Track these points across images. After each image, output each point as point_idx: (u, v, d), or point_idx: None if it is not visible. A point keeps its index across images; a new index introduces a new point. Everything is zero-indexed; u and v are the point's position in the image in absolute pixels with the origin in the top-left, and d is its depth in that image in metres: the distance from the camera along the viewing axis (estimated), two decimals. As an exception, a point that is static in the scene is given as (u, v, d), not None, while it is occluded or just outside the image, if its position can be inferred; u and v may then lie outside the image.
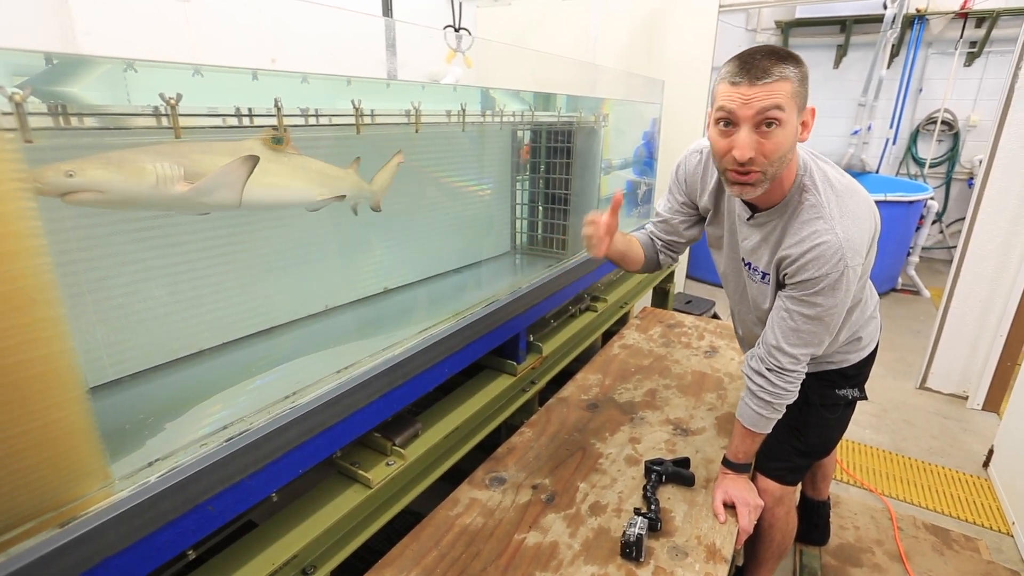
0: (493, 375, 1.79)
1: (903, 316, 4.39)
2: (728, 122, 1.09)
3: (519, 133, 2.40)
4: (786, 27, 5.91)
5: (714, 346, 2.29)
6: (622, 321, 2.61)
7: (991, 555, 1.98)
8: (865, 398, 1.52)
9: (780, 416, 1.34)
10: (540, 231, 2.52)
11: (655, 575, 1.17)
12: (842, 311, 1.22)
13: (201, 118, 1.10)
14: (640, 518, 1.24)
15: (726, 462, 1.43)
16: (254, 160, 1.14)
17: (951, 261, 3.12)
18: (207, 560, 1.07)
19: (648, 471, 1.45)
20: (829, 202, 1.17)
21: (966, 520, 2.23)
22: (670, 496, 1.41)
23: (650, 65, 3.75)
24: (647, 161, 3.29)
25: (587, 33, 3.85)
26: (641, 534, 1.19)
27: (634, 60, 3.82)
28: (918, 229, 4.75)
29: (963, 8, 5.16)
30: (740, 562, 1.64)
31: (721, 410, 1.81)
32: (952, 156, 5.66)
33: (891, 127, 5.74)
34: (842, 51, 5.77)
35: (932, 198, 4.65)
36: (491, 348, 1.71)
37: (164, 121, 1.03)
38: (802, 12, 5.82)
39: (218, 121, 1.14)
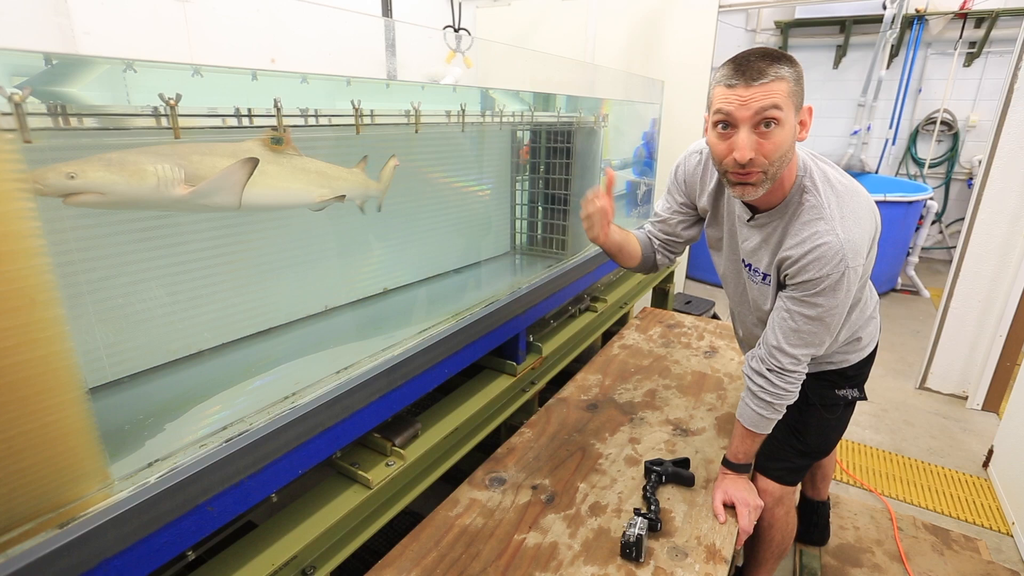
0: (493, 375, 1.79)
1: (903, 316, 4.40)
2: (726, 124, 1.09)
3: (519, 133, 2.40)
4: (785, 27, 5.91)
5: (714, 346, 2.29)
6: (622, 321, 2.61)
7: (991, 555, 1.98)
8: (865, 398, 1.52)
9: (780, 417, 1.34)
10: (540, 231, 2.52)
11: (655, 575, 1.17)
12: (843, 311, 1.22)
13: (201, 119, 1.10)
14: (640, 518, 1.24)
15: (726, 462, 1.43)
16: (254, 163, 1.14)
17: (950, 261, 3.12)
18: (207, 561, 1.07)
19: (648, 471, 1.45)
20: (830, 203, 1.17)
21: (966, 520, 2.23)
22: (670, 496, 1.41)
23: (649, 65, 3.75)
24: (647, 161, 3.29)
25: (586, 33, 3.86)
26: (641, 534, 1.19)
27: (633, 60, 3.82)
28: (918, 229, 4.76)
29: (962, 8, 5.16)
30: (740, 562, 1.64)
31: (721, 410, 1.81)
32: (951, 156, 5.66)
33: (890, 127, 5.74)
34: (841, 51, 5.77)
35: (931, 198, 4.65)
36: (491, 348, 1.70)
37: (164, 122, 1.02)
38: (801, 12, 5.82)
39: (217, 122, 1.14)
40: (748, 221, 1.29)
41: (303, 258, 1.64)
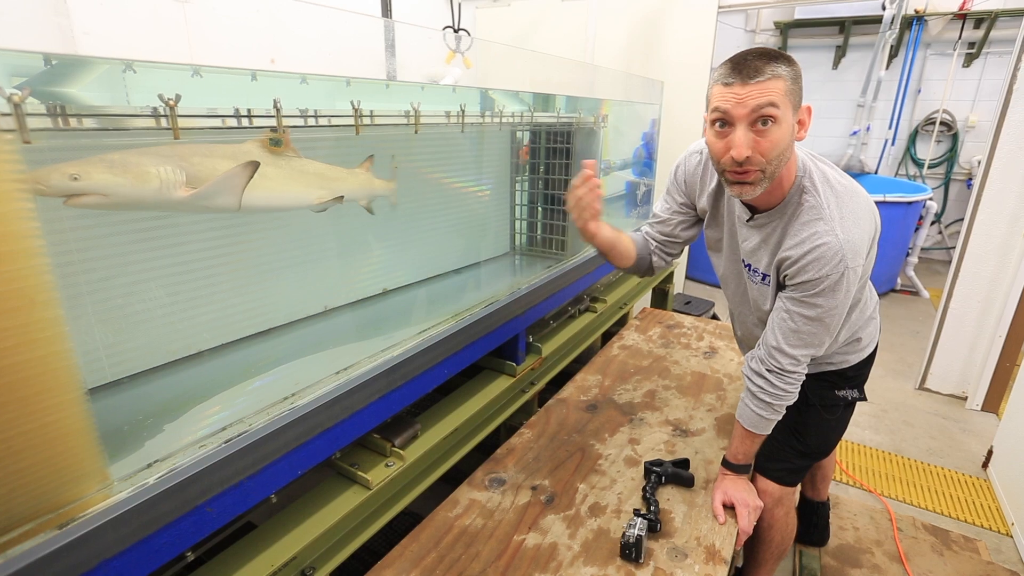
0: (492, 376, 1.79)
1: (902, 317, 4.40)
2: (724, 122, 1.10)
3: (518, 134, 2.40)
4: (785, 28, 5.92)
5: (713, 347, 2.29)
6: (621, 322, 2.61)
7: (990, 556, 1.98)
8: (864, 399, 1.52)
9: (780, 417, 1.34)
10: (539, 232, 2.52)
11: (655, 576, 1.17)
12: (843, 312, 1.22)
13: (200, 119, 1.10)
14: (640, 519, 1.24)
15: (725, 463, 1.43)
16: (255, 166, 1.14)
17: (950, 262, 3.12)
18: (206, 562, 1.07)
19: (647, 472, 1.45)
20: (829, 203, 1.17)
21: (965, 521, 2.23)
22: (669, 497, 1.41)
23: (649, 66, 3.75)
24: (646, 162, 3.29)
25: (586, 33, 3.86)
26: (640, 535, 1.19)
27: (633, 61, 3.82)
28: (917, 230, 4.76)
29: (962, 9, 5.16)
30: (740, 563, 1.64)
31: (720, 411, 1.81)
32: (951, 157, 5.67)
33: (890, 128, 5.75)
34: (841, 52, 5.77)
35: (931, 199, 4.65)
36: (490, 349, 1.70)
37: (163, 122, 1.02)
38: (801, 13, 5.83)
39: (217, 122, 1.14)
40: (747, 221, 1.29)
41: (303, 258, 1.64)
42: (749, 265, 1.34)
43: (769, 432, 1.36)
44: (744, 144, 1.07)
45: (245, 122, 1.18)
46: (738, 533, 1.32)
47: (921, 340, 3.82)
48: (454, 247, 2.21)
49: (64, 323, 0.79)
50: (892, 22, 4.87)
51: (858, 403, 1.53)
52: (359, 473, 1.27)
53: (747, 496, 1.37)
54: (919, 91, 5.63)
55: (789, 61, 1.07)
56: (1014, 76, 2.68)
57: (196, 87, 1.16)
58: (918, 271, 4.99)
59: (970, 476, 2.51)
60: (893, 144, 5.81)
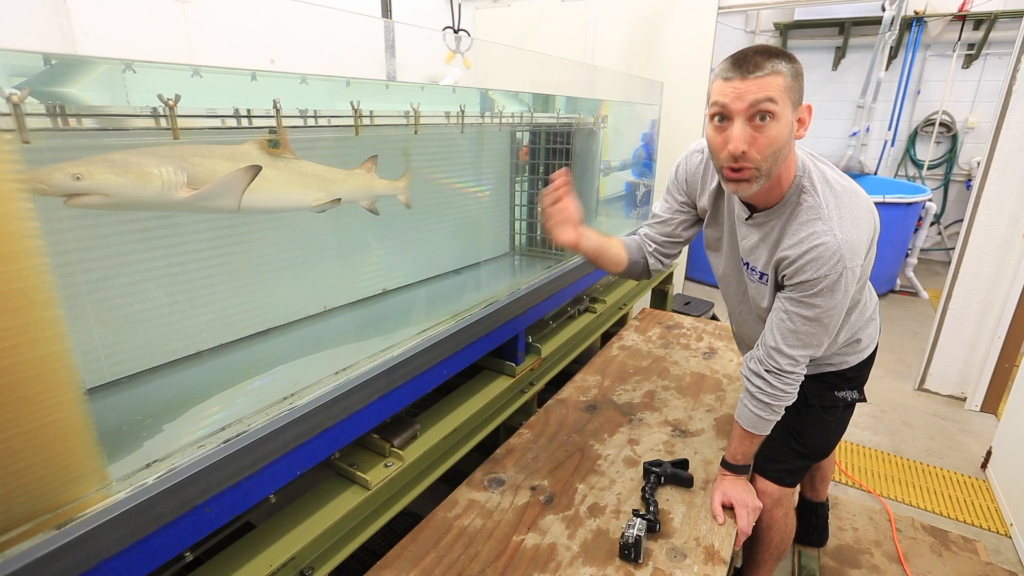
0: (492, 376, 1.79)
1: (901, 317, 4.40)
2: (722, 117, 1.10)
3: (518, 134, 2.40)
4: (785, 29, 5.92)
5: (713, 347, 2.29)
6: (621, 322, 2.61)
7: (989, 556, 1.98)
8: (864, 400, 1.52)
9: (779, 418, 1.34)
10: (539, 232, 2.52)
11: (654, 577, 1.17)
12: (841, 312, 1.22)
13: (199, 119, 1.10)
14: (639, 519, 1.24)
15: (725, 463, 1.43)
16: (256, 170, 1.14)
17: (949, 263, 3.12)
18: (205, 562, 1.06)
19: (647, 472, 1.45)
20: (828, 203, 1.17)
21: (964, 521, 2.23)
22: (669, 497, 1.41)
23: (649, 66, 3.76)
24: (646, 163, 3.29)
25: (586, 34, 3.86)
26: (640, 535, 1.19)
27: (633, 61, 3.82)
28: (916, 231, 4.76)
29: (961, 10, 5.17)
30: (739, 563, 1.64)
31: (720, 411, 1.81)
32: (950, 158, 5.67)
33: (889, 129, 5.76)
34: (840, 53, 5.78)
35: (930, 200, 4.66)
36: (490, 349, 1.70)
37: (163, 122, 1.02)
38: (801, 14, 5.83)
39: (217, 122, 1.14)
40: (747, 220, 1.29)
41: (302, 258, 1.64)
42: (748, 264, 1.34)
43: (768, 433, 1.36)
44: (741, 139, 1.07)
45: (245, 122, 1.18)
46: (737, 533, 1.32)
47: (920, 341, 3.82)
48: (454, 247, 2.22)
49: (63, 323, 0.79)
50: (892, 23, 4.87)
51: (857, 404, 1.53)
52: (358, 473, 1.26)
53: (746, 497, 1.38)
54: (919, 92, 5.63)
55: (790, 59, 1.07)
56: (1013, 77, 2.68)
57: (196, 87, 1.16)
58: (917, 272, 4.99)
59: (969, 477, 2.51)
60: (893, 145, 5.81)
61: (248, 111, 1.17)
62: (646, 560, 1.21)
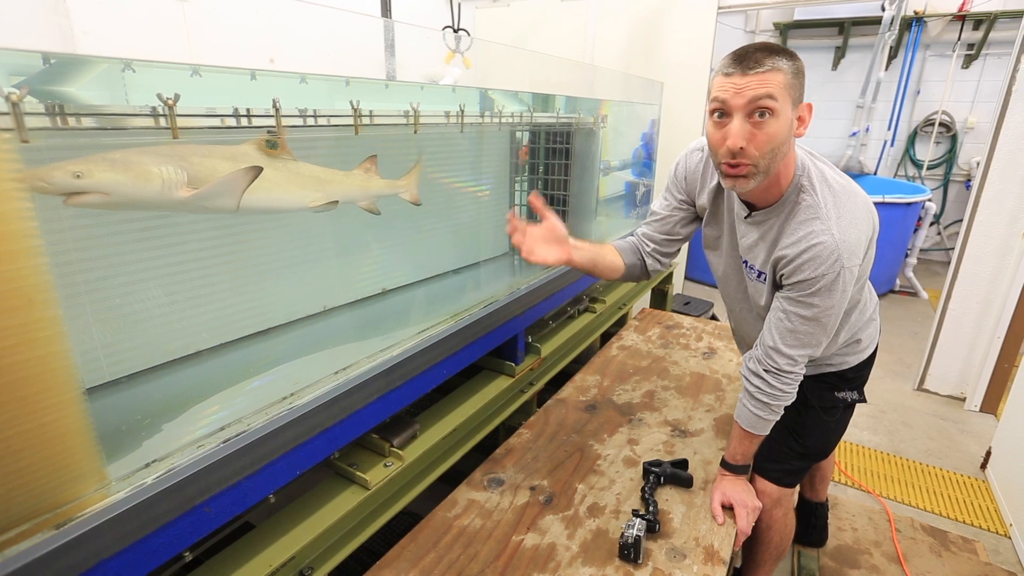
0: (491, 376, 1.79)
1: (901, 318, 4.40)
2: (722, 113, 1.10)
3: (518, 134, 2.40)
4: (784, 29, 5.92)
5: (712, 347, 2.29)
6: (620, 322, 2.61)
7: (988, 557, 1.98)
8: (864, 401, 1.52)
9: (778, 418, 1.34)
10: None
11: (653, 577, 1.17)
12: (839, 312, 1.22)
13: (199, 119, 1.10)
14: (638, 519, 1.24)
15: (724, 463, 1.43)
16: (257, 170, 1.14)
17: (949, 263, 3.12)
18: (204, 562, 1.06)
19: (646, 472, 1.45)
20: (826, 202, 1.17)
21: (964, 522, 2.23)
22: (668, 497, 1.41)
23: (649, 66, 3.76)
24: (646, 162, 3.29)
25: (586, 34, 3.86)
26: (639, 536, 1.19)
27: (633, 61, 3.82)
28: (916, 231, 4.76)
29: (961, 10, 5.17)
30: (738, 563, 1.64)
31: (719, 411, 1.81)
32: (950, 158, 5.67)
33: (889, 129, 5.76)
34: (840, 53, 5.78)
35: (930, 200, 4.66)
36: (489, 349, 1.70)
37: (162, 121, 1.02)
38: (800, 14, 5.84)
39: (216, 122, 1.14)
40: (745, 218, 1.29)
41: (302, 258, 1.64)
42: (746, 262, 1.34)
43: (767, 433, 1.36)
44: (739, 135, 1.07)
45: (244, 122, 1.18)
46: (737, 534, 1.32)
47: (920, 341, 3.82)
48: (453, 247, 2.21)
49: (62, 323, 0.79)
50: (891, 23, 4.88)
51: (857, 404, 1.53)
52: (358, 473, 1.26)
53: (746, 497, 1.38)
54: (918, 92, 5.64)
55: (791, 56, 1.07)
56: (1013, 77, 2.68)
57: (195, 87, 1.16)
58: (917, 272, 4.99)
59: (968, 477, 2.51)
60: (892, 145, 5.81)
61: (248, 111, 1.17)
62: (645, 560, 1.21)
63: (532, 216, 2.50)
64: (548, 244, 1.34)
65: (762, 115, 1.06)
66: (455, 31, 1.87)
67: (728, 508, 1.37)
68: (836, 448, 1.82)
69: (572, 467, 1.52)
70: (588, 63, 3.78)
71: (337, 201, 1.42)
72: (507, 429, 1.80)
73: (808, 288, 1.18)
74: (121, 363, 1.29)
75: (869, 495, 2.38)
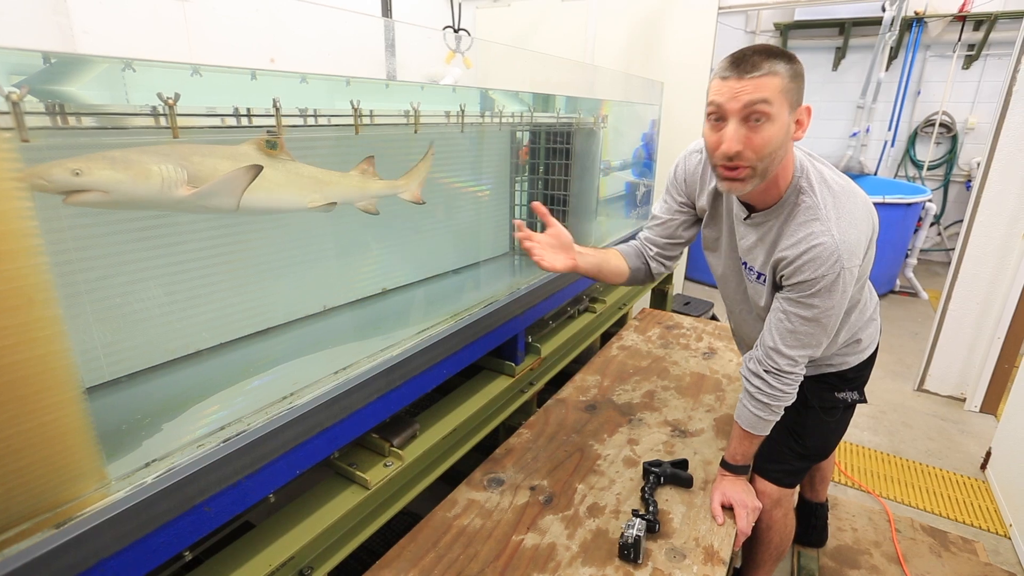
0: (491, 376, 1.79)
1: (901, 318, 4.40)
2: (718, 116, 1.10)
3: (518, 134, 2.39)
4: (785, 29, 5.92)
5: (712, 348, 2.29)
6: (621, 322, 2.61)
7: (988, 557, 1.98)
8: (864, 401, 1.52)
9: (778, 418, 1.34)
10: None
11: (653, 577, 1.17)
12: (839, 313, 1.22)
13: (199, 118, 1.10)
14: (638, 520, 1.24)
15: (724, 464, 1.43)
16: (257, 169, 1.14)
17: (949, 263, 3.12)
18: (204, 561, 1.06)
19: (646, 472, 1.45)
20: (826, 203, 1.17)
21: (963, 522, 2.23)
22: (668, 498, 1.41)
23: (649, 66, 3.76)
24: (646, 163, 3.29)
25: (586, 34, 3.86)
26: (639, 536, 1.19)
27: (633, 61, 3.82)
28: (916, 231, 4.76)
29: (961, 11, 5.17)
30: (738, 564, 1.64)
31: (719, 411, 1.81)
32: (950, 158, 5.67)
33: (889, 129, 5.76)
34: (841, 53, 5.78)
35: (930, 200, 4.66)
36: (489, 349, 1.70)
37: (162, 121, 1.02)
38: (801, 14, 5.84)
39: (216, 121, 1.13)
40: (745, 219, 1.29)
41: (302, 258, 1.64)
42: (745, 263, 1.34)
43: (767, 433, 1.36)
44: (734, 139, 1.07)
45: (244, 121, 1.18)
46: (736, 534, 1.32)
47: (920, 341, 3.82)
48: (453, 247, 2.21)
49: (62, 322, 0.79)
50: (892, 24, 4.87)
51: (857, 405, 1.53)
52: (358, 473, 1.26)
53: (746, 497, 1.38)
54: (919, 93, 5.64)
55: (790, 59, 1.07)
56: (1013, 78, 2.68)
57: (195, 86, 1.16)
58: (917, 272, 4.99)
59: (968, 477, 2.51)
60: (892, 145, 5.81)
61: (248, 110, 1.17)
62: (645, 560, 1.21)
63: (532, 217, 2.51)
64: (555, 251, 1.35)
65: (757, 120, 1.06)
66: (455, 31, 1.87)
67: (728, 508, 1.37)
68: (836, 448, 1.82)
69: (572, 467, 1.52)
70: (588, 63, 3.78)
71: (335, 202, 1.42)
72: (507, 429, 1.79)
73: (808, 289, 1.18)
74: (121, 362, 1.29)
75: (869, 495, 2.38)
